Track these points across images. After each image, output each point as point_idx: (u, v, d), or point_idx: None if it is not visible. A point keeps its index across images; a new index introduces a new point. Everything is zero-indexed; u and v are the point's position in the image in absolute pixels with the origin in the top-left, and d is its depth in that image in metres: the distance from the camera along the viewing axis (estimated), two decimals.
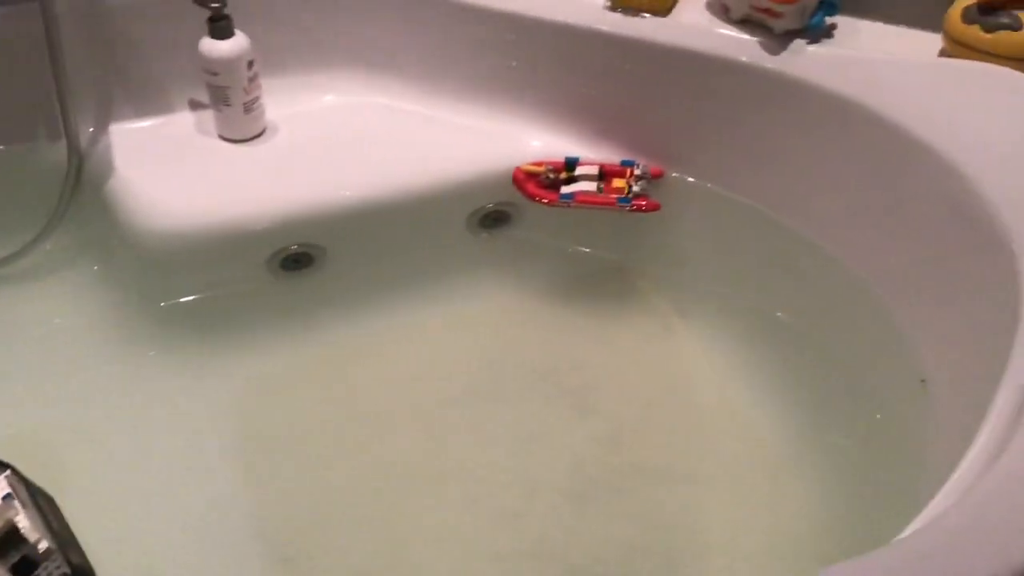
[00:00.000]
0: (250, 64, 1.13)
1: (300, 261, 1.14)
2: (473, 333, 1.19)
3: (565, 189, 1.11)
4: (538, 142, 1.18)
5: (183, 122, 1.21)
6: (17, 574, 0.69)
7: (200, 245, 1.10)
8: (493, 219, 1.19)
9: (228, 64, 1.12)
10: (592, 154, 1.15)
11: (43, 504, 0.72)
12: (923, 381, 0.92)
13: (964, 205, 0.88)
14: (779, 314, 1.14)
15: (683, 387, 1.13)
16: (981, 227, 0.85)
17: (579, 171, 1.12)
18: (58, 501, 0.85)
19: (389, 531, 1.00)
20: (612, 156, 1.15)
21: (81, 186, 1.17)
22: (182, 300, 1.15)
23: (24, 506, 0.70)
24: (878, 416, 1.02)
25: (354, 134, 1.20)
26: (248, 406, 1.10)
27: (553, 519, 1.00)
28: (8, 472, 0.72)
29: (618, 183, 1.12)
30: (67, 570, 0.68)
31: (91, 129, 1.18)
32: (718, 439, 1.08)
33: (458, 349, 1.17)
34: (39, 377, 1.12)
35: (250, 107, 1.16)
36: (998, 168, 0.88)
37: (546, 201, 1.11)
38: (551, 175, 1.12)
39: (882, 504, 0.97)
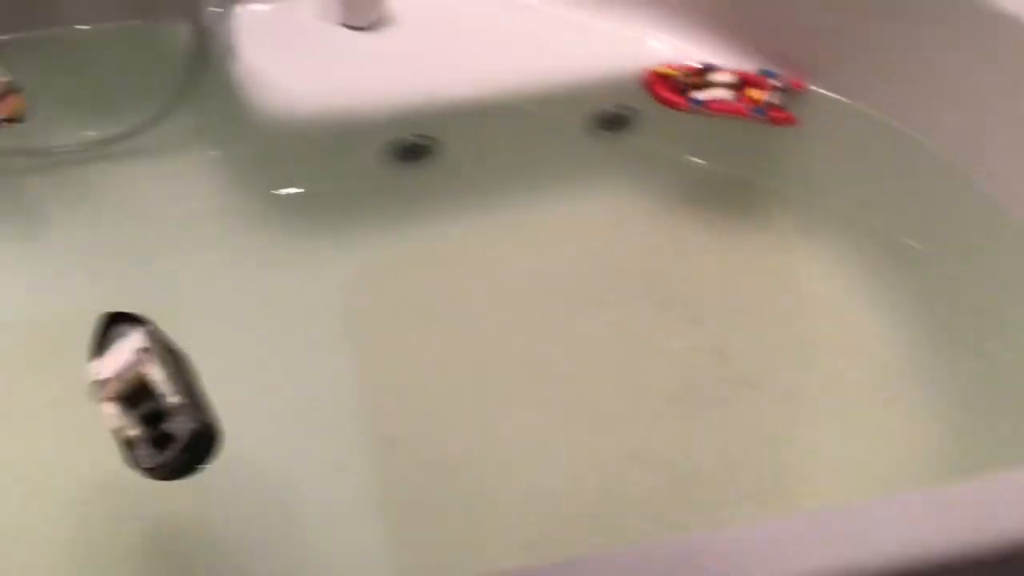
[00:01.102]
0: None
1: (414, 152, 1.13)
2: (584, 236, 1.17)
3: (696, 95, 1.07)
4: (665, 45, 1.14)
5: (307, 6, 1.19)
6: (147, 424, 0.71)
7: (318, 131, 1.10)
8: (612, 122, 1.16)
9: None
10: (728, 62, 1.11)
11: (177, 362, 0.73)
12: None
13: None
14: (910, 241, 1.09)
15: (799, 305, 1.10)
16: None
17: (714, 78, 1.08)
18: None
19: (490, 425, 1.00)
20: (749, 65, 1.10)
21: (203, 67, 1.17)
22: (296, 188, 1.16)
23: (159, 361, 0.71)
24: (1008, 354, 0.98)
25: (476, 27, 1.17)
26: (356, 295, 1.11)
27: (656, 425, 0.99)
28: (146, 327, 0.74)
29: (754, 93, 1.07)
30: (193, 425, 0.69)
31: (217, 9, 1.18)
32: (833, 360, 1.05)
33: (568, 251, 1.15)
34: (147, 256, 1.13)
35: None
36: None
37: (677, 105, 1.07)
38: (685, 79, 1.08)
39: (1000, 444, 0.94)
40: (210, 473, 0.72)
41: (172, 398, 0.71)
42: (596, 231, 1.18)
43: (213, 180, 1.20)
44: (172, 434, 0.70)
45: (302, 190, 1.16)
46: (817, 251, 1.14)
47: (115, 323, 0.77)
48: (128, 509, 0.90)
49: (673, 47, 1.14)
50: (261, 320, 1.07)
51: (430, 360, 1.05)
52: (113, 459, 0.73)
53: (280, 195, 1.17)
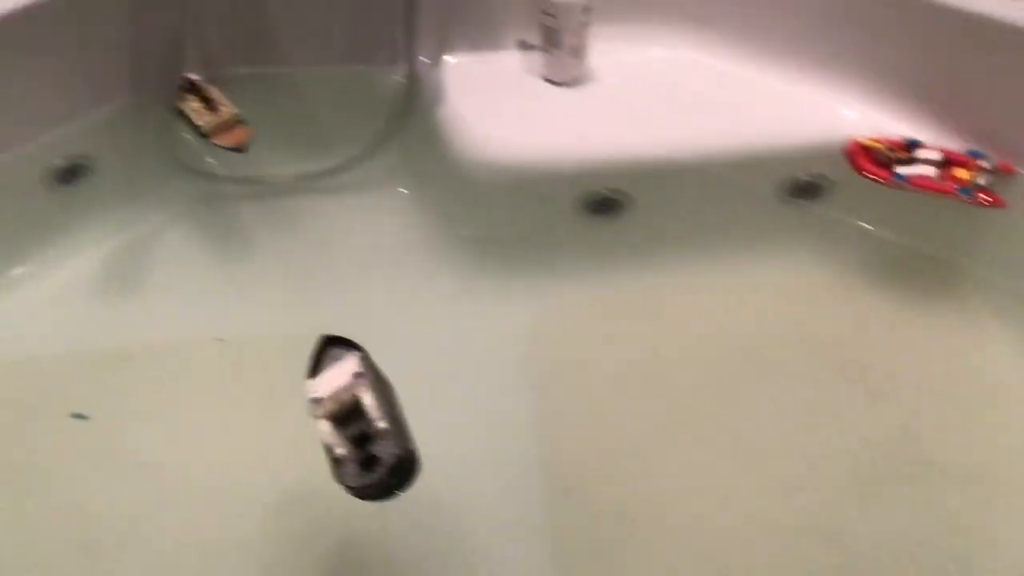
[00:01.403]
0: (585, 10, 1.16)
1: (606, 205, 1.16)
2: (768, 301, 1.17)
3: (901, 170, 1.06)
4: (858, 114, 1.14)
5: (511, 60, 1.25)
6: (355, 445, 0.75)
7: (514, 178, 1.14)
8: (805, 190, 1.16)
9: (565, 8, 1.15)
10: (927, 137, 1.10)
11: (385, 390, 0.77)
12: None
13: None
14: None
15: (989, 391, 1.06)
16: None
17: (920, 154, 1.07)
18: None
19: (665, 482, 1.00)
20: (951, 142, 1.09)
21: (410, 111, 1.24)
22: (487, 232, 1.21)
23: (370, 386, 0.76)
24: None
25: (674, 88, 1.20)
26: (539, 340, 1.14)
27: (835, 500, 0.97)
28: (361, 354, 0.79)
29: (960, 173, 1.05)
30: (398, 452, 0.73)
31: (426, 58, 1.25)
32: (1020, 446, 1.01)
33: (750, 314, 1.15)
34: (342, 285, 1.20)
35: (578, 51, 1.19)
36: None
37: (878, 179, 1.06)
38: (889, 153, 1.07)
39: None
40: (400, 500, 0.76)
41: (380, 423, 0.75)
42: (781, 297, 1.18)
43: (409, 217, 1.26)
44: (379, 457, 0.74)
45: (493, 234, 1.20)
46: (1011, 336, 1.10)
47: (331, 345, 0.82)
48: (321, 522, 0.95)
49: (866, 117, 1.14)
50: (447, 356, 1.12)
51: (607, 410, 1.07)
52: (313, 474, 0.77)
53: (470, 237, 1.21)
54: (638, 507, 0.98)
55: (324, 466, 0.74)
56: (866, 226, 1.18)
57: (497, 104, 1.19)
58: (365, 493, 0.74)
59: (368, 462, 0.74)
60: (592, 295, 1.17)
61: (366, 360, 0.78)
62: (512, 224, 1.20)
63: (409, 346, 1.13)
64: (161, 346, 1.11)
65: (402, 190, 1.30)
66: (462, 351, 1.12)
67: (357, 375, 0.77)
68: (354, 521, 0.95)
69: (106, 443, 1.02)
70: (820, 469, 1.00)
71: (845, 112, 1.15)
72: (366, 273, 1.22)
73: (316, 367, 0.82)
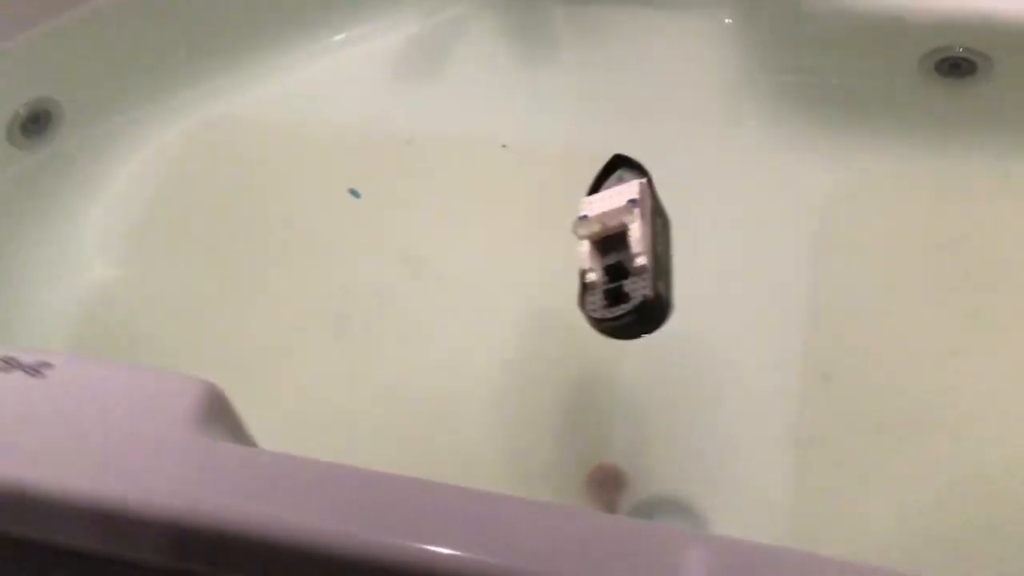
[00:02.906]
0: None
1: (959, 68, 0.98)
2: None
3: None
4: None
5: None
6: (610, 275, 0.69)
7: (859, 22, 0.99)
8: None
9: None
10: None
11: (660, 225, 0.70)
12: None
13: None
14: None
15: None
16: None
17: None
18: None
19: (938, 396, 0.88)
20: None
21: None
22: (811, 79, 1.07)
23: (644, 218, 0.69)
24: None
25: None
26: (838, 210, 1.01)
27: None
28: (644, 180, 0.71)
29: None
30: (648, 293, 0.66)
31: None
32: None
33: None
34: (640, 109, 1.12)
35: None
36: None
37: None
38: None
39: None
40: (649, 340, 0.70)
41: (640, 259, 0.67)
42: None
43: (727, 51, 1.14)
44: (628, 293, 0.67)
45: (817, 82, 1.06)
46: None
47: (621, 166, 0.75)
48: (565, 349, 0.92)
49: None
50: (732, 208, 1.02)
51: (893, 304, 0.94)
52: (568, 299, 0.73)
53: (792, 83, 1.08)
54: (895, 415, 0.86)
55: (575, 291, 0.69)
56: None
57: None
58: (605, 327, 0.68)
59: (617, 295, 0.68)
60: (917, 170, 1.02)
61: (649, 188, 0.71)
62: (843, 75, 1.05)
63: (695, 189, 1.03)
64: (443, 138, 1.09)
65: (727, 20, 1.17)
66: (752, 205, 1.02)
67: (633, 202, 0.70)
68: (593, 351, 0.90)
69: (373, 224, 1.03)
70: None
71: None
72: (667, 102, 1.12)
73: (597, 184, 0.75)
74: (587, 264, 0.71)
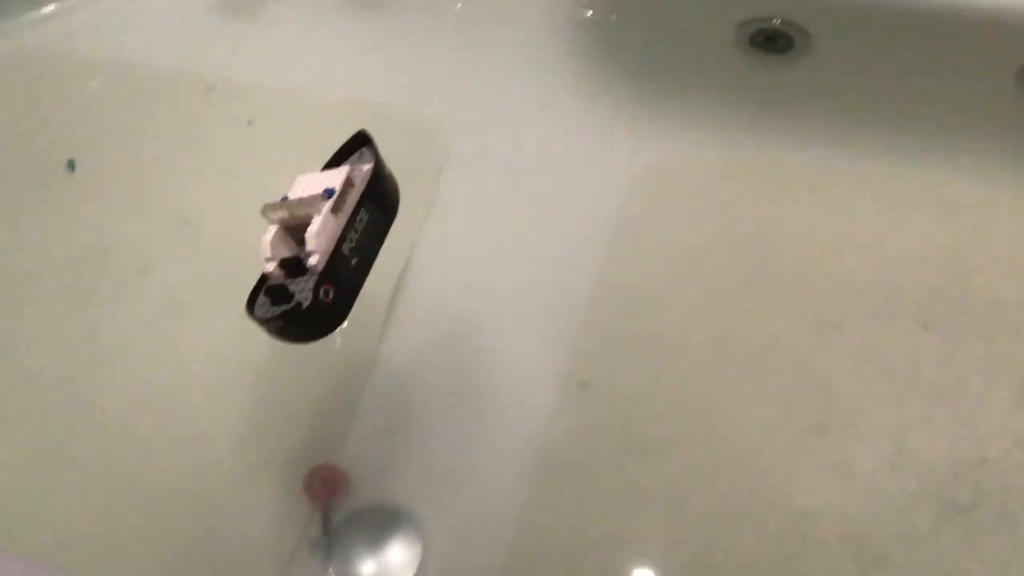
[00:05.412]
0: None
1: (775, 41, 0.90)
2: (971, 223, 0.86)
3: None
4: None
5: None
6: (285, 269, 0.62)
7: None
8: None
9: None
10: None
11: (366, 223, 0.62)
12: None
13: None
14: None
15: None
16: None
17: None
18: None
19: (700, 404, 0.82)
20: None
21: None
22: (627, 51, 0.98)
23: (335, 211, 0.61)
24: None
25: None
26: (638, 193, 0.93)
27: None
28: (369, 167, 0.64)
29: None
30: (302, 301, 0.59)
31: None
32: None
33: (947, 234, 0.85)
34: (439, 53, 1.04)
35: None
36: None
37: None
38: None
39: None
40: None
41: (312, 258, 0.61)
42: (1001, 222, 0.86)
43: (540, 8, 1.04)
44: (293, 294, 0.61)
45: (625, 59, 0.97)
46: None
47: (365, 144, 0.69)
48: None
49: None
50: (528, 177, 0.96)
51: (675, 299, 0.87)
52: None
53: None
54: (647, 427, 0.80)
55: None
56: None
57: None
58: (265, 326, 0.61)
59: (279, 294, 0.61)
60: (724, 153, 0.94)
61: (372, 173, 0.64)
62: (659, 43, 0.96)
63: (494, 151, 0.97)
64: (239, 88, 1.01)
65: None
66: (547, 177, 0.96)
67: (329, 192, 0.63)
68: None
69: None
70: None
71: None
72: (477, 48, 1.03)
73: (337, 159, 0.69)
74: (268, 252, 0.64)
